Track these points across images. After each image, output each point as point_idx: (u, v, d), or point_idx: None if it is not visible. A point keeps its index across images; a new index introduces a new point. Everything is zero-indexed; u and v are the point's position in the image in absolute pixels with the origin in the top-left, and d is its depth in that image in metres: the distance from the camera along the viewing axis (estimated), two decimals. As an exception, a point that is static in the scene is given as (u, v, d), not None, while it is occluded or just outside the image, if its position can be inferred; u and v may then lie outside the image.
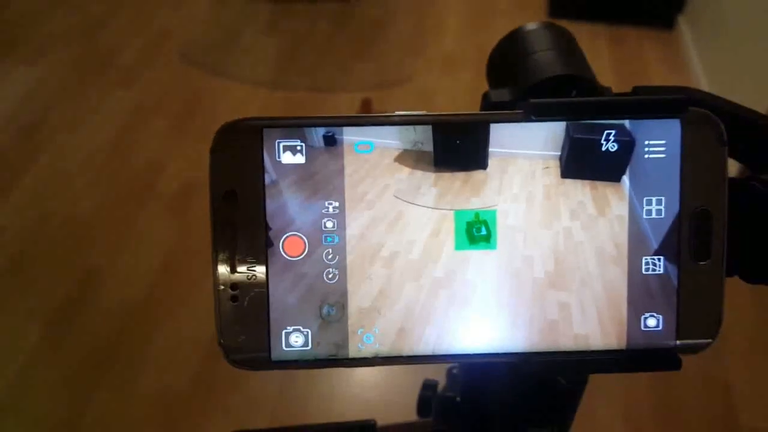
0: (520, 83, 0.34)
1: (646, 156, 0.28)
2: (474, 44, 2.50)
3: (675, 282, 0.29)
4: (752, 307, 1.64)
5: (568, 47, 0.35)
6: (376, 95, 2.13)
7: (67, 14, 2.55)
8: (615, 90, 0.35)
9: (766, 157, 0.33)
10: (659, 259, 0.29)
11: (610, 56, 2.48)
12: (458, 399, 0.48)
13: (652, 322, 0.29)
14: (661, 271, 0.29)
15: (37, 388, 1.44)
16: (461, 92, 2.23)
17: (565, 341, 0.29)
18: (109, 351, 1.50)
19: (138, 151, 2.00)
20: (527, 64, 0.35)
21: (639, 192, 0.29)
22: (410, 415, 0.59)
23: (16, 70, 2.29)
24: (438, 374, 0.59)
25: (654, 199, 0.29)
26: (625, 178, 0.29)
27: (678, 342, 0.29)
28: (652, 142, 0.28)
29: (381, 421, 0.55)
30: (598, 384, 1.44)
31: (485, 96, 0.35)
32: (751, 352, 1.56)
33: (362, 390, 1.48)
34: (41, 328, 1.54)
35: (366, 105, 2.03)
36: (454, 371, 0.54)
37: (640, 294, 0.29)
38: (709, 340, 0.29)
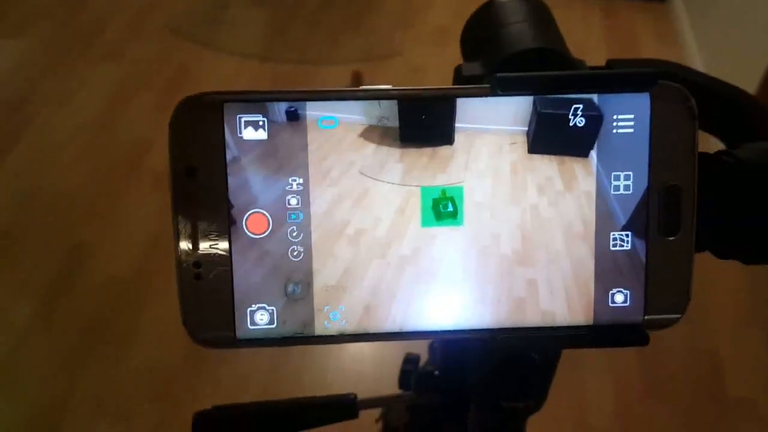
0: (492, 56, 0.34)
1: (615, 131, 0.28)
2: (464, 17, 2.46)
3: (643, 258, 0.29)
4: (739, 278, 1.65)
5: (541, 19, 0.35)
6: (366, 68, 2.11)
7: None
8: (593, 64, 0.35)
9: (739, 131, 0.32)
10: (627, 235, 0.29)
11: (602, 29, 2.46)
12: (437, 373, 0.48)
13: (619, 297, 0.29)
14: (629, 247, 0.29)
15: (28, 365, 1.44)
16: (451, 65, 2.21)
17: (533, 318, 0.29)
18: (100, 326, 1.50)
19: (126, 126, 1.99)
20: (499, 37, 0.34)
21: (607, 167, 0.28)
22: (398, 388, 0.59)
23: (1, 44, 2.26)
24: (421, 349, 0.60)
25: (622, 174, 0.28)
26: (593, 153, 0.28)
27: (646, 317, 0.29)
28: (620, 117, 0.28)
29: (370, 395, 0.55)
30: (586, 357, 1.45)
31: (457, 69, 0.34)
32: (737, 323, 1.57)
33: (354, 364, 1.49)
34: (31, 304, 1.54)
35: (356, 78, 2.01)
36: (435, 345, 0.54)
37: (608, 270, 0.29)
38: (678, 316, 0.29)
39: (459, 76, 0.34)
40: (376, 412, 0.87)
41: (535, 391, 0.39)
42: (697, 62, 2.21)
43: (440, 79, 2.14)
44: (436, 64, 2.25)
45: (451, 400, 0.46)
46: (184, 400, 1.39)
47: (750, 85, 1.72)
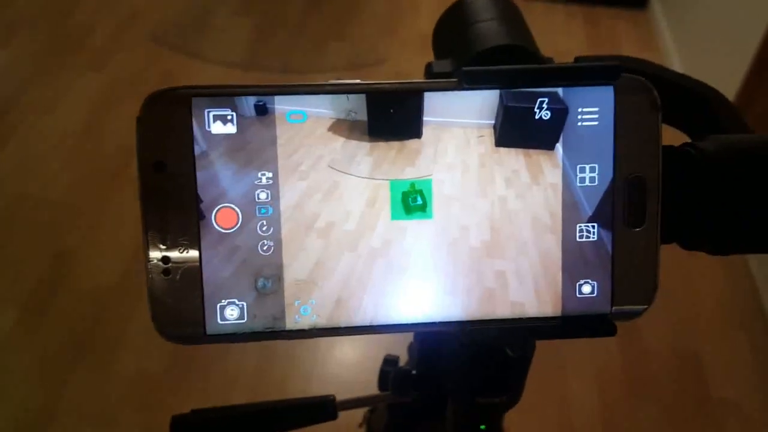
0: (462, 54, 0.34)
1: (580, 123, 0.28)
2: (449, 23, 2.48)
3: (609, 249, 0.29)
4: (721, 280, 1.67)
5: (510, 17, 0.35)
6: (350, 76, 2.10)
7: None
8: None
9: (703, 124, 0.33)
10: (593, 227, 0.29)
11: (584, 36, 2.48)
12: (414, 372, 0.48)
13: (587, 288, 0.29)
14: (596, 239, 0.29)
15: (13, 373, 1.43)
16: (436, 72, 2.22)
17: (502, 309, 0.29)
18: (84, 334, 1.49)
19: (111, 134, 1.98)
20: (469, 35, 0.35)
21: (572, 159, 0.29)
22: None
23: (-15, 52, 2.25)
24: (400, 350, 0.60)
25: (588, 166, 0.29)
26: (559, 146, 0.29)
27: (613, 308, 0.29)
28: (585, 110, 0.28)
29: (352, 395, 0.55)
30: (569, 357, 1.46)
31: (428, 66, 0.35)
32: (719, 324, 1.58)
33: (340, 368, 1.48)
34: (16, 312, 1.52)
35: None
36: (413, 345, 0.55)
37: (575, 261, 0.29)
38: (645, 306, 0.29)
39: (430, 73, 0.34)
40: (358, 418, 0.87)
41: (509, 385, 0.39)
42: (677, 67, 2.23)
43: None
44: (420, 71, 2.25)
45: (428, 397, 0.46)
46: (169, 407, 1.37)
47: (730, 88, 1.74)
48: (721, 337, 1.56)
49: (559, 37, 2.41)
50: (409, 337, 0.58)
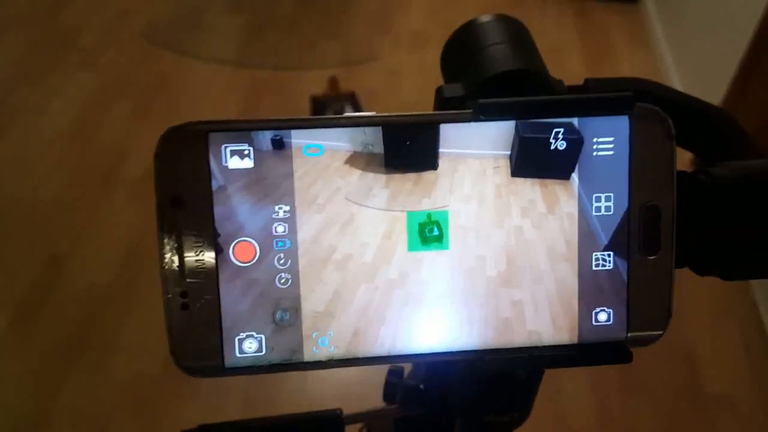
0: (473, 78, 0.34)
1: (595, 153, 0.28)
2: (441, 21, 2.48)
3: (625, 277, 0.29)
4: (714, 278, 1.68)
5: (519, 40, 0.35)
6: (342, 73, 2.11)
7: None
8: (571, 77, 0.35)
9: (714, 147, 0.33)
10: (609, 255, 0.29)
11: (576, 30, 2.49)
12: (422, 387, 0.48)
13: (603, 316, 0.30)
14: (611, 267, 0.29)
15: (7, 378, 1.42)
16: (428, 70, 2.22)
17: (519, 338, 0.29)
18: (78, 337, 1.49)
19: (102, 134, 1.97)
20: (479, 59, 0.34)
21: (588, 189, 0.29)
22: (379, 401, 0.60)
23: (-27, 53, 2.23)
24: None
25: (603, 195, 0.29)
26: (575, 176, 0.29)
27: (629, 335, 0.30)
28: (600, 140, 0.28)
29: (353, 408, 0.55)
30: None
31: (438, 91, 0.35)
32: (712, 321, 1.60)
33: (334, 376, 1.48)
34: (7, 316, 1.52)
35: (333, 83, 2.01)
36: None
37: (591, 289, 0.29)
38: (660, 333, 0.29)
39: (440, 98, 0.34)
40: (357, 426, 0.87)
41: (519, 404, 0.39)
42: (668, 61, 2.24)
43: (417, 83, 2.15)
44: (412, 68, 2.26)
45: (436, 413, 0.46)
46: (164, 410, 1.38)
47: (721, 83, 1.75)
48: (713, 333, 1.58)
49: (551, 31, 2.42)
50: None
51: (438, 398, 0.47)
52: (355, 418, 0.51)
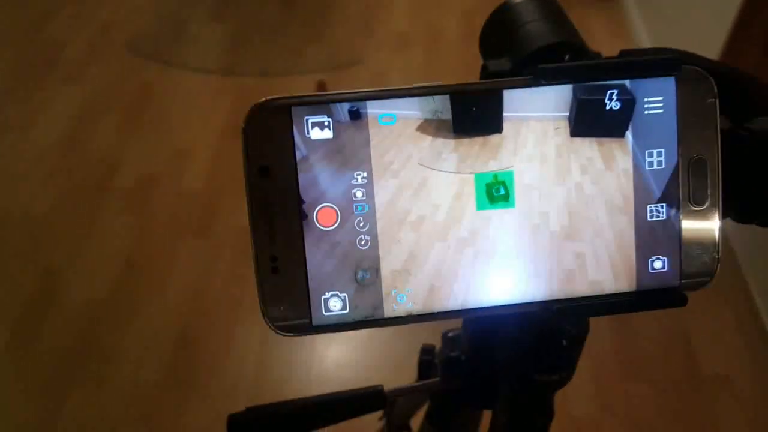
0: (516, 53, 0.36)
1: (646, 112, 0.31)
2: (424, 22, 2.51)
3: (677, 226, 0.31)
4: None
5: (557, 16, 0.38)
6: (329, 77, 2.13)
7: (8, 11, 2.47)
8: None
9: (744, 108, 0.35)
10: (662, 206, 0.31)
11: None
12: (463, 357, 0.50)
13: (658, 264, 0.32)
14: (665, 217, 0.31)
15: (10, 392, 1.41)
16: (413, 69, 2.25)
17: (582, 288, 0.32)
18: (80, 350, 1.49)
19: (91, 147, 1.97)
20: (520, 35, 0.37)
21: (641, 146, 0.31)
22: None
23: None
24: (435, 339, 0.62)
25: (655, 151, 0.31)
26: (629, 134, 0.31)
27: (682, 281, 0.32)
28: (650, 99, 0.31)
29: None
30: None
31: (484, 67, 0.37)
32: (705, 303, 1.63)
33: (338, 367, 1.50)
34: (6, 331, 1.51)
35: (321, 87, 2.03)
36: (450, 335, 0.57)
37: (647, 240, 0.31)
38: (710, 278, 0.32)
39: (487, 72, 0.36)
40: (377, 413, 0.89)
41: (567, 363, 0.41)
42: (650, 55, 2.28)
43: (404, 83, 2.18)
44: (398, 69, 2.29)
45: (481, 379, 0.48)
46: (168, 418, 1.38)
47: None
48: (708, 315, 1.61)
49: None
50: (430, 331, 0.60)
51: (481, 366, 0.49)
52: (397, 393, 0.52)
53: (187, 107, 2.13)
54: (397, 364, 1.37)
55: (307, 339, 1.51)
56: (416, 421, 0.68)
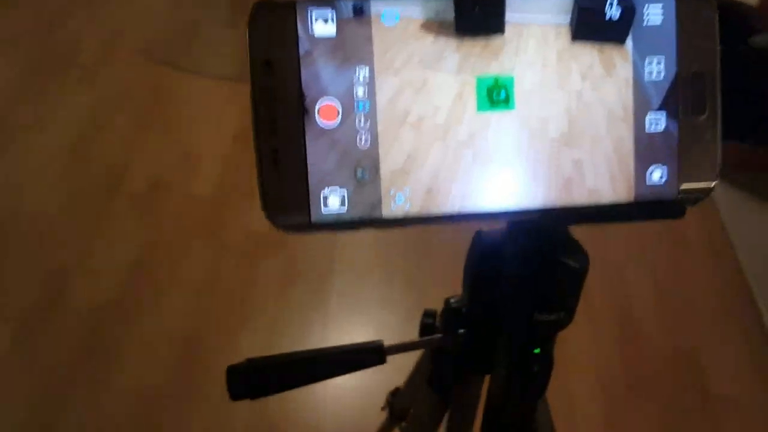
0: None
1: (646, 20, 0.31)
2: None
3: (676, 136, 0.32)
4: (715, 278, 1.70)
5: None
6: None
7: (21, 14, 2.51)
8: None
9: (740, 29, 0.36)
10: (661, 115, 0.32)
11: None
12: (464, 310, 0.50)
13: (656, 175, 0.32)
14: (663, 127, 0.32)
15: (10, 393, 1.41)
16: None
17: (580, 196, 0.32)
18: (84, 351, 1.48)
19: (102, 150, 1.98)
20: None
21: (641, 54, 0.31)
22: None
23: (-27, 71, 2.25)
24: (437, 304, 0.61)
25: (655, 59, 0.31)
26: (629, 41, 0.31)
27: (680, 194, 0.32)
28: (650, 7, 0.31)
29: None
30: (572, 359, 1.47)
31: None
32: (714, 320, 1.62)
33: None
34: (10, 331, 1.51)
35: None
36: (452, 300, 0.56)
37: (646, 148, 0.32)
38: (711, 184, 0.32)
39: None
40: (381, 401, 0.88)
41: (567, 300, 0.41)
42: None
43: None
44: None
45: (482, 325, 0.48)
46: (172, 421, 1.37)
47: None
48: (716, 333, 1.59)
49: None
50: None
51: (482, 316, 0.48)
52: (396, 349, 0.52)
53: (199, 112, 2.15)
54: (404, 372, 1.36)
55: (311, 342, 1.50)
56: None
